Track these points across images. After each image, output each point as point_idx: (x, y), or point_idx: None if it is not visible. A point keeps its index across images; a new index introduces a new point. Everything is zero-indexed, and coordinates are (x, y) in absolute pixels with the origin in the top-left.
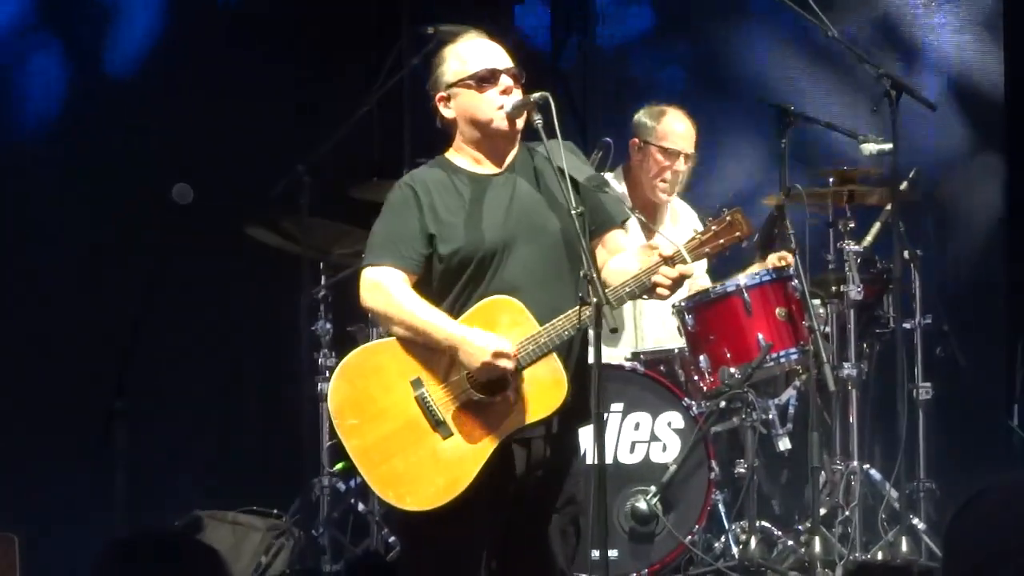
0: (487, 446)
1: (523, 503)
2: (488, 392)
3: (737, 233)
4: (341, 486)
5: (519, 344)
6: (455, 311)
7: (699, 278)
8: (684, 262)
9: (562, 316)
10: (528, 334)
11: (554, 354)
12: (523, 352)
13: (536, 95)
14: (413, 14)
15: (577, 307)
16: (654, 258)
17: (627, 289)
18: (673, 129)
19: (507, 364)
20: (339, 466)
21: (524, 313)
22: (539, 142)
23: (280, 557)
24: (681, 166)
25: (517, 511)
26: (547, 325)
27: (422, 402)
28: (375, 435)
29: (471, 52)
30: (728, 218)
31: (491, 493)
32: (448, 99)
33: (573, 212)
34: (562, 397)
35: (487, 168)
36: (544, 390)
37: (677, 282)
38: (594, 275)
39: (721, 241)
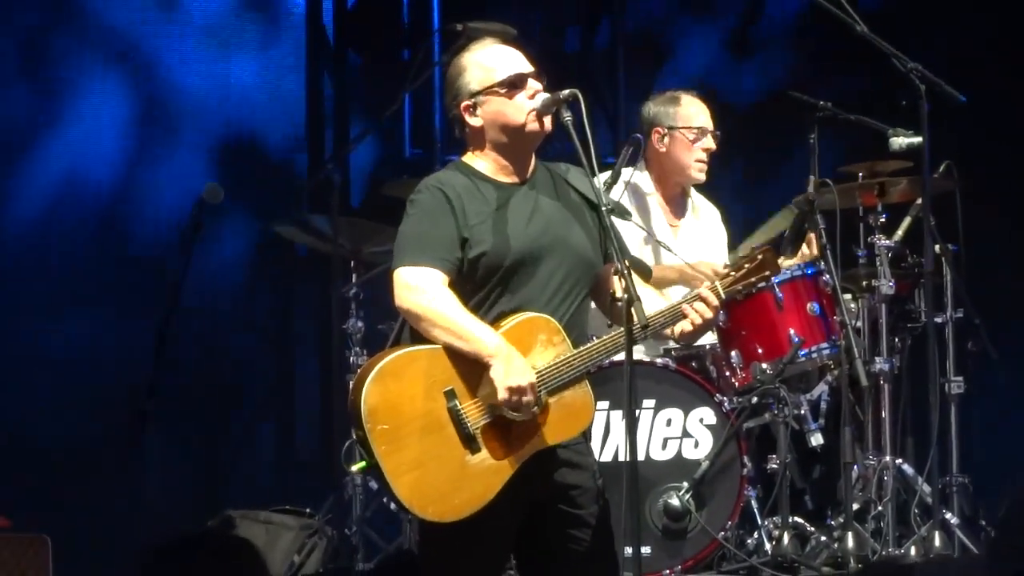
0: (512, 464)
1: (541, 510)
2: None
3: (767, 272)
4: (373, 485)
5: (552, 364)
6: (478, 316)
7: None
8: (720, 296)
9: (597, 341)
10: (562, 355)
11: (585, 379)
12: (555, 375)
13: (566, 92)
14: (443, 11)
15: (612, 333)
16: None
17: (661, 320)
18: (695, 110)
19: (527, 399)
20: (357, 466)
21: (560, 334)
22: (557, 162)
23: (313, 556)
24: (711, 143)
25: (535, 519)
26: (581, 349)
27: (454, 415)
28: (405, 443)
29: (495, 59)
30: (760, 257)
31: (509, 503)
32: (474, 107)
33: (604, 207)
34: (589, 421)
35: (509, 176)
36: (572, 413)
37: (711, 319)
38: (626, 270)
39: (752, 280)
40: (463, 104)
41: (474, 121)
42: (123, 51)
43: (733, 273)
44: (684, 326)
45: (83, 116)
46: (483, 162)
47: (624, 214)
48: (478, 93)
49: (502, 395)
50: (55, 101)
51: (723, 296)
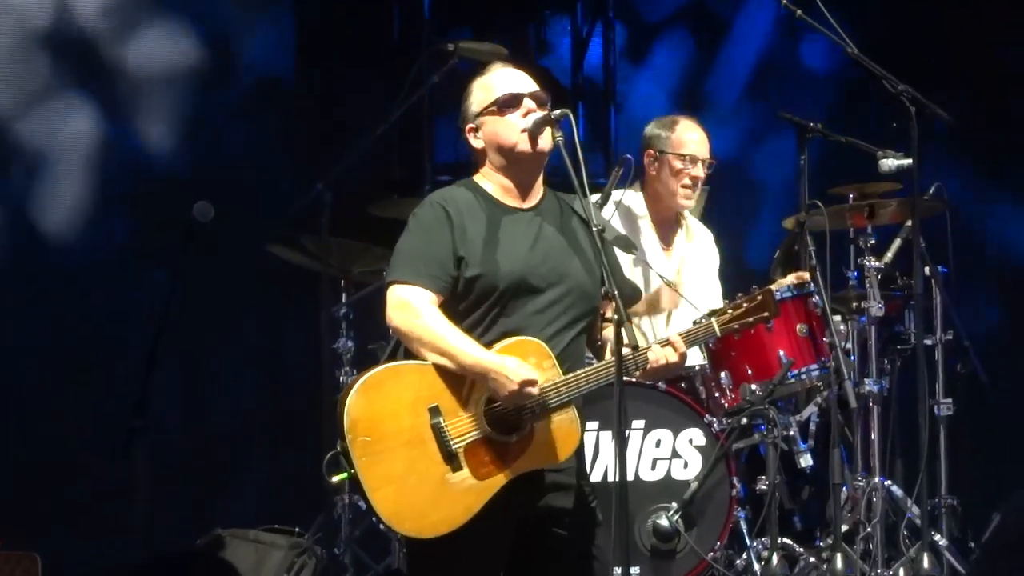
0: (493, 485)
1: (531, 532)
2: (503, 431)
3: (765, 313)
4: (362, 504)
5: (540, 390)
6: (472, 338)
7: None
8: (716, 334)
9: (586, 369)
10: (551, 380)
11: (572, 404)
12: (543, 399)
13: (556, 112)
14: (433, 31)
15: (602, 362)
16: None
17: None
18: (688, 136)
19: (533, 392)
20: (339, 476)
21: (551, 359)
22: (567, 194)
23: (302, 575)
24: (700, 171)
25: (525, 540)
26: (570, 375)
27: (437, 431)
28: (386, 456)
29: (494, 80)
30: (759, 297)
31: (499, 524)
32: (476, 130)
33: (595, 228)
34: (574, 447)
35: (515, 200)
36: (558, 439)
37: (675, 363)
38: (615, 292)
39: (750, 320)
40: (468, 127)
41: (476, 143)
42: (109, 69)
43: (731, 311)
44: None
45: (82, 132)
46: (489, 183)
47: (630, 247)
48: (478, 115)
49: (509, 400)
50: (43, 123)
51: (719, 334)
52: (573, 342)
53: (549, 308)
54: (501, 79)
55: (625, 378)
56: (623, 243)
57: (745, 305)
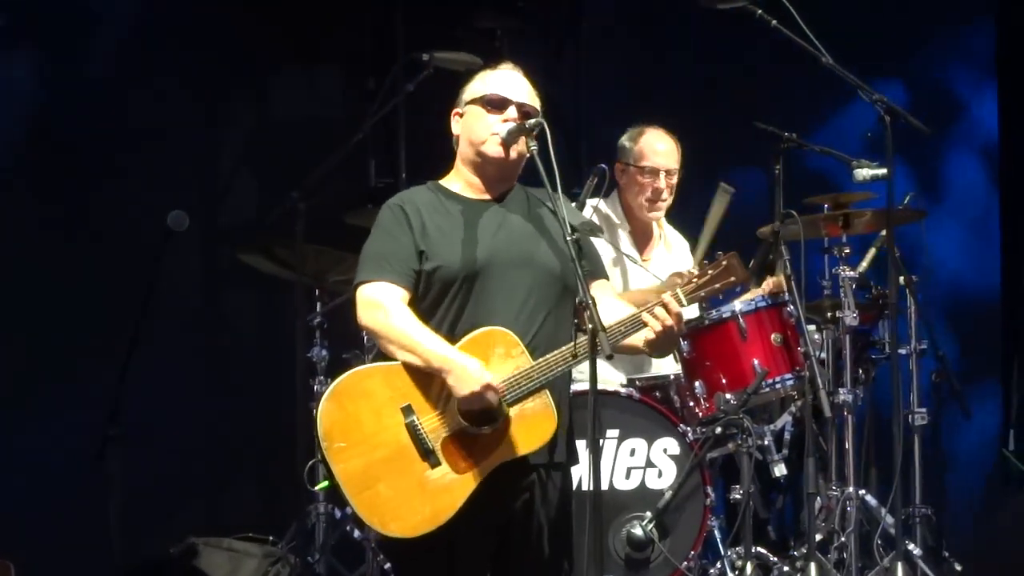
0: (474, 477)
1: (513, 528)
2: (478, 423)
3: (732, 278)
4: (337, 513)
5: (511, 377)
6: (443, 331)
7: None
8: (681, 304)
9: (555, 352)
10: (521, 367)
11: (546, 390)
12: (515, 387)
13: (531, 122)
14: (408, 41)
15: (572, 344)
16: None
17: (622, 329)
18: (653, 148)
19: (491, 398)
20: (320, 485)
21: (519, 346)
22: (538, 188)
23: None
24: (662, 183)
25: (508, 536)
26: (540, 360)
27: (412, 430)
28: (363, 460)
29: (494, 77)
30: (724, 263)
31: (480, 519)
32: (461, 116)
33: (568, 238)
34: (551, 432)
35: (479, 194)
36: (534, 425)
37: (671, 326)
38: (590, 301)
39: (716, 286)
40: (455, 110)
41: (456, 128)
42: (73, 72)
43: (695, 280)
44: (647, 334)
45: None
46: (456, 181)
47: (596, 231)
48: (467, 103)
49: (464, 404)
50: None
51: (684, 302)
52: (545, 325)
53: (516, 293)
54: (499, 78)
55: (600, 387)
56: (588, 228)
57: (710, 272)
